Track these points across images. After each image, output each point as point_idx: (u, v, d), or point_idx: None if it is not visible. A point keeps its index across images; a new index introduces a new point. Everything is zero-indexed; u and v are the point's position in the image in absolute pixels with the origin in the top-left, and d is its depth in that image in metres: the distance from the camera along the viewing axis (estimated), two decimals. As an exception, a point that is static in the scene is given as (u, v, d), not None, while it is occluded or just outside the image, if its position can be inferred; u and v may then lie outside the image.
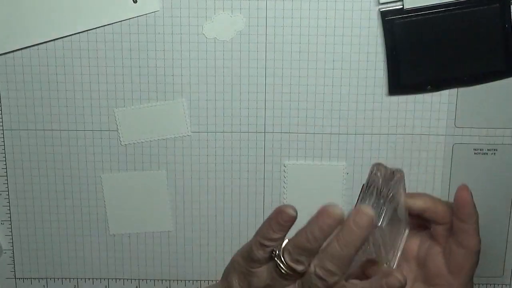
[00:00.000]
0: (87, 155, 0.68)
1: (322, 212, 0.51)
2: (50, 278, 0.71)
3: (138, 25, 0.65)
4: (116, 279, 0.71)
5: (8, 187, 0.69)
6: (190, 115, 0.67)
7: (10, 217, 0.70)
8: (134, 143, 0.68)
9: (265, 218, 0.65)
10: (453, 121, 0.67)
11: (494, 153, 0.67)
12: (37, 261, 0.71)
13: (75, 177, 0.69)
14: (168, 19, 0.64)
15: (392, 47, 0.64)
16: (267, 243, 0.54)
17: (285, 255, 0.53)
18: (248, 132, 0.67)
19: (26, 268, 0.71)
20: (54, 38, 0.65)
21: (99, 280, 0.71)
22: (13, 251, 0.71)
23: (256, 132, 0.67)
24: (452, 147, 0.67)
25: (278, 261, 0.53)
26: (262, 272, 0.54)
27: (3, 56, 0.65)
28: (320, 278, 0.52)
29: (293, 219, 0.53)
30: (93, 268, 0.71)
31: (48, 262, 0.71)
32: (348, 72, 0.65)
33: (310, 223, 0.52)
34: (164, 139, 0.68)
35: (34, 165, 0.68)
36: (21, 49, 0.65)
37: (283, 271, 0.53)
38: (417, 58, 0.64)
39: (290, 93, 0.66)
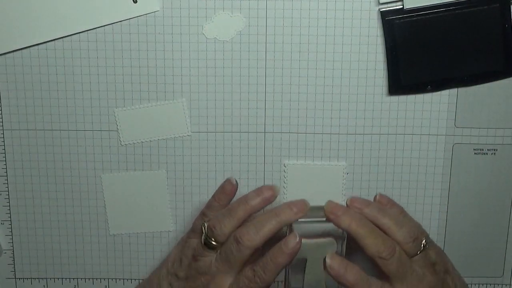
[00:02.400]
0: (87, 155, 0.68)
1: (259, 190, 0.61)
2: (50, 278, 0.71)
3: (138, 25, 0.65)
4: (116, 279, 0.71)
5: (8, 187, 0.69)
6: (190, 115, 0.67)
7: (10, 217, 0.70)
8: (134, 143, 0.68)
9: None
10: (453, 121, 0.67)
11: (494, 153, 0.67)
12: (37, 261, 0.71)
13: (75, 177, 0.69)
14: (168, 19, 0.65)
15: (392, 47, 0.64)
16: (207, 212, 0.63)
17: (207, 226, 0.60)
18: (248, 132, 0.67)
19: (26, 268, 0.71)
20: (54, 38, 0.65)
21: (99, 280, 0.71)
22: (13, 251, 0.71)
23: (256, 132, 0.67)
24: (452, 147, 0.67)
25: (204, 231, 0.60)
26: (193, 242, 0.62)
27: (3, 56, 0.65)
28: (237, 242, 0.58)
29: (234, 189, 0.63)
30: (93, 268, 0.71)
31: (48, 262, 0.71)
32: (348, 72, 0.65)
33: (242, 198, 0.61)
34: (164, 139, 0.68)
35: (34, 165, 0.68)
36: (21, 49, 0.65)
37: (206, 240, 0.60)
38: (417, 58, 0.64)
39: (290, 93, 0.66)
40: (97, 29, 0.65)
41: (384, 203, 0.63)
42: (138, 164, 0.68)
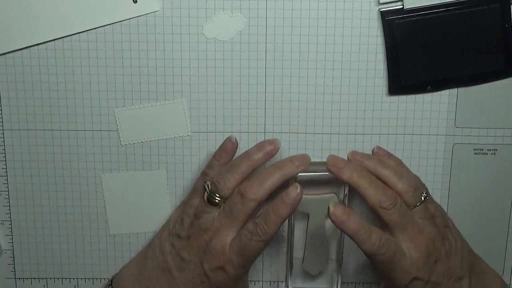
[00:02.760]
0: (87, 155, 0.68)
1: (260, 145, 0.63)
2: (50, 278, 0.71)
3: (138, 25, 0.65)
4: (116, 279, 0.71)
5: (8, 187, 0.69)
6: (190, 115, 0.67)
7: (10, 217, 0.70)
8: (134, 143, 0.68)
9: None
10: (453, 121, 0.67)
11: (494, 153, 0.67)
12: (37, 261, 0.71)
13: (75, 177, 0.69)
14: (168, 19, 0.65)
15: (392, 47, 0.64)
16: (208, 171, 0.64)
17: (211, 183, 0.61)
18: (248, 132, 0.67)
19: (26, 268, 0.71)
20: (54, 38, 0.65)
21: (99, 280, 0.71)
22: (13, 251, 0.71)
23: (256, 132, 0.67)
24: (452, 147, 0.67)
25: (207, 188, 0.61)
26: (194, 201, 0.63)
27: (3, 56, 0.65)
28: (241, 195, 0.59)
29: (234, 147, 0.64)
30: (93, 268, 0.71)
31: (48, 262, 0.71)
32: (348, 72, 0.65)
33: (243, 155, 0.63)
34: (164, 139, 0.68)
35: (34, 165, 0.68)
36: (21, 49, 0.65)
37: (209, 196, 0.61)
38: (417, 58, 0.64)
39: (290, 93, 0.66)
40: (97, 29, 0.65)
41: (382, 155, 0.65)
42: (138, 164, 0.68)
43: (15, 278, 0.71)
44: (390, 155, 0.66)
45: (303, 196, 0.61)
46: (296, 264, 0.68)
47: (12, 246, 0.70)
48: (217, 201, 0.61)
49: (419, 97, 0.66)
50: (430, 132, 0.67)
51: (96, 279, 0.71)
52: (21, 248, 0.71)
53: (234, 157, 0.65)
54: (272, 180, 0.60)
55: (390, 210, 0.59)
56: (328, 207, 0.58)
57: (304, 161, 0.61)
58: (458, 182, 0.68)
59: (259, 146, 0.63)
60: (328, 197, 0.64)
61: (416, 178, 0.64)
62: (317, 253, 0.66)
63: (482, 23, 0.64)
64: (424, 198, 0.61)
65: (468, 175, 0.68)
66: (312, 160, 0.64)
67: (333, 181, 0.63)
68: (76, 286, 0.71)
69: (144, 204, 0.69)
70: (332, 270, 0.67)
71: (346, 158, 0.63)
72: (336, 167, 0.60)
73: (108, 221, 0.70)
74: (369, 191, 0.59)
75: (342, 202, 0.64)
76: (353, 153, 0.63)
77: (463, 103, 0.66)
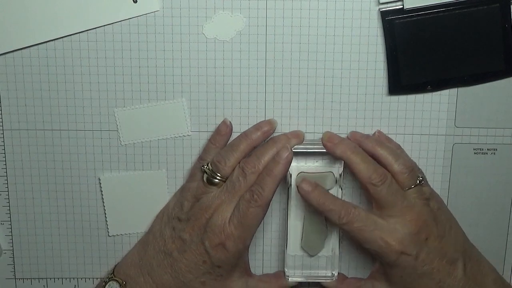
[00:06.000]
0: (87, 155, 0.68)
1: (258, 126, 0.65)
2: (50, 278, 0.71)
3: (138, 25, 0.65)
4: (116, 279, 0.71)
5: (8, 187, 0.69)
6: (190, 115, 0.67)
7: (10, 217, 0.70)
8: (134, 143, 0.68)
9: (265, 218, 0.64)
10: (453, 121, 0.67)
11: (494, 153, 0.67)
12: (37, 261, 0.71)
13: (75, 177, 0.69)
14: (168, 19, 0.65)
15: (392, 47, 0.64)
16: (204, 156, 0.66)
17: (211, 163, 0.64)
18: (248, 132, 0.67)
19: (26, 268, 0.71)
20: (54, 38, 0.65)
21: (99, 280, 0.71)
22: (13, 251, 0.71)
23: (256, 132, 0.67)
24: (452, 147, 0.67)
25: (206, 170, 0.63)
26: (192, 185, 0.65)
27: (3, 56, 0.65)
28: (242, 169, 0.62)
29: (229, 130, 0.66)
30: (93, 268, 0.71)
31: (48, 262, 0.71)
32: (348, 72, 0.65)
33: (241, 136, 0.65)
34: (164, 139, 0.68)
35: (34, 165, 0.68)
36: (21, 49, 0.65)
37: (210, 177, 0.63)
38: (417, 58, 0.64)
39: (290, 93, 0.66)
40: (97, 29, 0.65)
41: (382, 138, 0.66)
42: (138, 164, 0.68)
43: (15, 278, 0.71)
44: (390, 139, 0.67)
45: (302, 173, 0.64)
46: (294, 247, 0.67)
47: (12, 246, 0.70)
48: (217, 180, 0.63)
49: (419, 97, 0.66)
50: (430, 132, 0.67)
51: (96, 279, 0.71)
52: (21, 248, 0.71)
53: (230, 140, 0.66)
54: (268, 154, 0.63)
55: (379, 187, 0.61)
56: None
57: (298, 135, 0.64)
58: (458, 182, 0.68)
59: (257, 126, 0.65)
60: (325, 175, 0.65)
61: (413, 161, 0.65)
62: (315, 232, 0.66)
63: (482, 23, 0.64)
64: (419, 181, 0.63)
65: (468, 175, 0.68)
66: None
67: (330, 161, 0.65)
68: (76, 286, 0.71)
69: (144, 204, 0.69)
70: (330, 254, 0.67)
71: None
72: (331, 142, 0.63)
73: (108, 221, 0.70)
74: (360, 167, 0.61)
75: (337, 181, 0.65)
76: (353, 133, 0.66)
77: (463, 103, 0.66)
